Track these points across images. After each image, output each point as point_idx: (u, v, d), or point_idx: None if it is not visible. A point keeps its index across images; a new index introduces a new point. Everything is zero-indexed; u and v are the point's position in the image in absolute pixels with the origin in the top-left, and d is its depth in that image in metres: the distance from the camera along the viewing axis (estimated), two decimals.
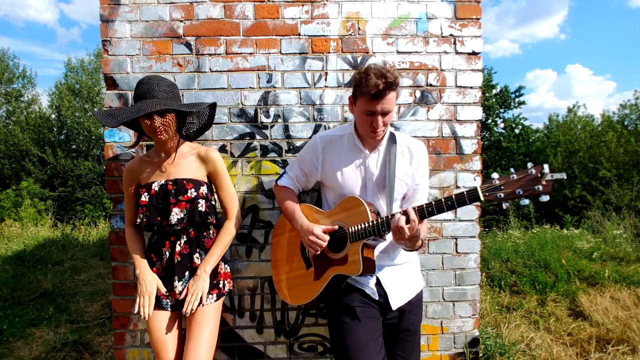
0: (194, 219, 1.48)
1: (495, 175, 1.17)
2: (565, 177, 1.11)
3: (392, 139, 1.50)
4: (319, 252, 1.48)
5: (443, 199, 1.24)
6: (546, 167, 1.09)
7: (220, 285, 1.55)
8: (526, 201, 1.13)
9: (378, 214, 1.43)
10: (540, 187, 1.10)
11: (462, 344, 2.02)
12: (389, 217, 1.33)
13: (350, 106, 1.46)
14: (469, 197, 1.18)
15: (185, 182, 1.50)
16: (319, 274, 1.53)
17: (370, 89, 1.28)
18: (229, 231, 1.58)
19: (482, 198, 1.16)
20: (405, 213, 1.25)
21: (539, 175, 1.10)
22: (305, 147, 1.62)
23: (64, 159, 11.48)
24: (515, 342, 2.49)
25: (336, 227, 1.46)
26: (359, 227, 1.38)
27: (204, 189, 1.52)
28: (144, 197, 1.49)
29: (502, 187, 1.15)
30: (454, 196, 1.21)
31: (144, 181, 1.53)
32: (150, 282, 1.46)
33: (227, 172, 1.62)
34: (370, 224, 1.35)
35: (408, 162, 1.51)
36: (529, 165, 1.12)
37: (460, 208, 1.42)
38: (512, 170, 1.15)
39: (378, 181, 1.49)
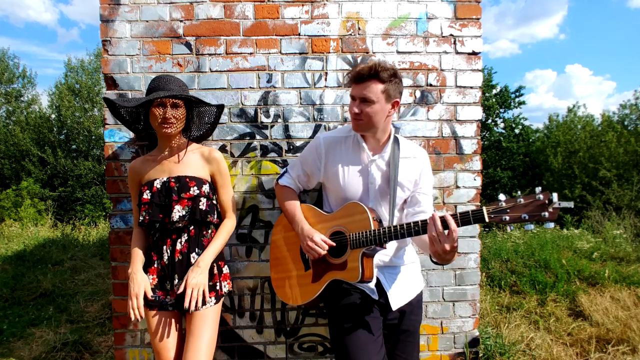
0: (195, 216, 1.48)
1: (502, 196, 1.15)
2: (572, 206, 1.09)
3: (397, 144, 1.49)
4: (317, 258, 1.48)
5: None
6: (555, 195, 1.07)
7: (218, 287, 1.55)
8: (531, 226, 1.12)
9: (380, 222, 1.42)
10: (547, 214, 1.08)
11: (462, 344, 2.02)
12: (392, 228, 1.32)
13: None
14: (474, 217, 1.17)
15: (188, 179, 1.50)
16: (317, 277, 1.52)
17: (354, 73, 1.38)
18: (228, 229, 1.60)
19: (487, 220, 1.15)
20: (443, 221, 1.19)
21: (547, 202, 1.08)
22: (308, 147, 1.60)
23: (64, 159, 11.49)
24: (515, 342, 2.49)
25: (334, 244, 1.45)
26: (361, 234, 1.37)
27: (206, 188, 1.53)
28: (146, 195, 1.49)
29: (508, 210, 1.13)
30: (459, 215, 1.19)
31: (145, 179, 1.54)
32: (138, 283, 1.45)
33: (229, 173, 1.63)
34: (372, 232, 1.34)
35: (411, 168, 1.50)
36: (537, 190, 1.11)
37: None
38: (519, 193, 1.14)
39: (381, 187, 1.47)
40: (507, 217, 1.13)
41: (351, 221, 1.43)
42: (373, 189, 1.47)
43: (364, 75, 1.34)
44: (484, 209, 1.16)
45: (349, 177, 1.48)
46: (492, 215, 1.15)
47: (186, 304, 1.41)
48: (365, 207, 1.39)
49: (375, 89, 1.34)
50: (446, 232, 1.18)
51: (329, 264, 1.48)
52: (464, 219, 1.18)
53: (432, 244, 1.21)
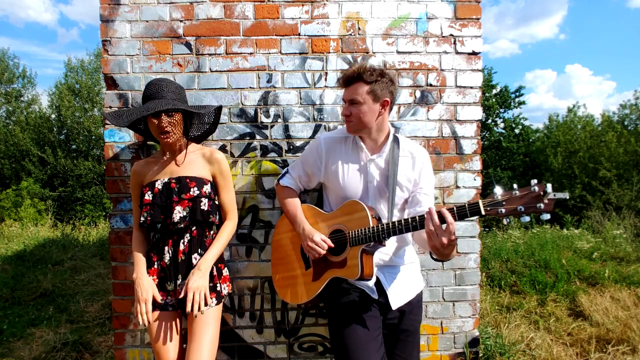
0: (195, 217, 1.48)
1: (498, 190, 1.16)
2: (567, 197, 1.10)
3: (396, 143, 1.50)
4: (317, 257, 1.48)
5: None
6: (549, 186, 1.08)
7: (219, 289, 1.55)
8: (527, 218, 1.13)
9: (379, 219, 1.43)
10: (542, 206, 1.09)
11: (462, 344, 2.02)
12: (390, 224, 1.32)
13: None
14: (470, 210, 1.18)
15: (188, 180, 1.50)
16: (317, 275, 1.53)
17: (342, 77, 1.44)
18: (229, 231, 1.59)
19: (483, 212, 1.15)
20: (440, 215, 1.19)
21: (542, 193, 1.09)
22: (309, 147, 1.62)
23: (64, 159, 11.48)
24: (515, 342, 2.49)
25: (332, 245, 1.45)
26: (359, 232, 1.38)
27: (207, 188, 1.53)
28: (147, 196, 1.49)
29: (503, 203, 1.14)
30: (455, 208, 1.20)
31: (147, 180, 1.54)
32: (146, 288, 1.45)
33: (230, 174, 1.63)
34: (371, 229, 1.35)
35: (411, 168, 1.50)
36: (533, 182, 1.12)
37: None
38: (515, 186, 1.14)
39: (380, 185, 1.48)
40: (503, 210, 1.14)
41: (350, 219, 1.43)
42: (372, 187, 1.48)
43: (350, 78, 1.40)
44: (480, 201, 1.17)
45: (349, 176, 1.49)
46: (489, 208, 1.15)
47: (188, 308, 1.41)
48: (364, 205, 1.40)
49: (361, 90, 1.38)
50: (444, 226, 1.19)
51: (329, 262, 1.48)
52: (460, 212, 1.19)
53: (430, 239, 1.22)
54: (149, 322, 1.43)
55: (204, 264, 1.47)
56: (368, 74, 1.38)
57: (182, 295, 1.44)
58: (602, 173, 10.83)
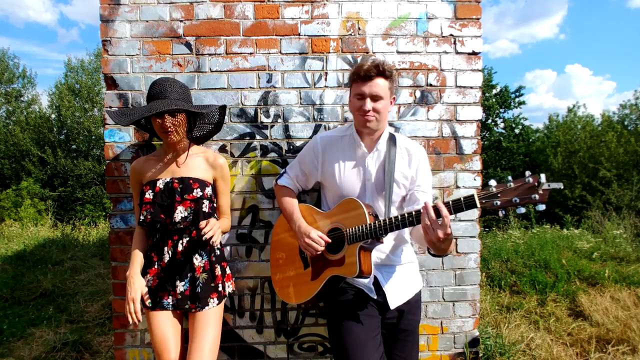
0: (198, 218, 1.49)
1: (492, 182, 1.17)
2: (562, 187, 1.10)
3: (392, 141, 1.51)
4: (315, 255, 1.48)
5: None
6: (543, 176, 1.09)
7: (220, 288, 1.55)
8: (522, 210, 1.13)
9: (376, 216, 1.43)
10: (537, 196, 1.09)
11: (462, 344, 2.02)
12: (387, 220, 1.32)
13: (349, 101, 1.49)
14: (466, 203, 1.18)
15: (191, 181, 1.51)
16: (316, 274, 1.53)
17: (360, 71, 1.39)
18: (228, 223, 1.67)
19: (478, 205, 1.16)
20: (435, 209, 1.20)
21: (536, 184, 1.10)
22: (306, 147, 1.63)
23: (64, 159, 11.49)
24: (515, 342, 2.49)
25: (330, 240, 1.45)
26: (357, 229, 1.38)
27: (208, 190, 1.54)
28: (148, 195, 1.49)
29: (498, 195, 1.14)
30: (451, 202, 1.20)
31: (148, 178, 1.54)
32: (135, 287, 1.46)
33: (230, 179, 1.66)
34: (368, 226, 1.35)
35: (407, 165, 1.51)
36: (527, 173, 1.12)
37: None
38: (509, 178, 1.15)
39: (377, 183, 1.49)
40: (499, 202, 1.14)
41: (347, 217, 1.44)
42: (369, 185, 1.49)
43: (371, 73, 1.38)
44: (475, 194, 1.17)
45: (345, 174, 1.50)
46: (484, 201, 1.16)
47: (202, 224, 1.39)
48: (361, 203, 1.40)
49: (383, 85, 1.39)
50: (439, 220, 1.19)
51: (328, 260, 1.49)
52: (456, 206, 1.20)
53: (426, 233, 1.22)
54: (139, 321, 1.44)
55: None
56: (388, 70, 1.39)
57: (202, 225, 1.40)
58: (602, 173, 10.83)
